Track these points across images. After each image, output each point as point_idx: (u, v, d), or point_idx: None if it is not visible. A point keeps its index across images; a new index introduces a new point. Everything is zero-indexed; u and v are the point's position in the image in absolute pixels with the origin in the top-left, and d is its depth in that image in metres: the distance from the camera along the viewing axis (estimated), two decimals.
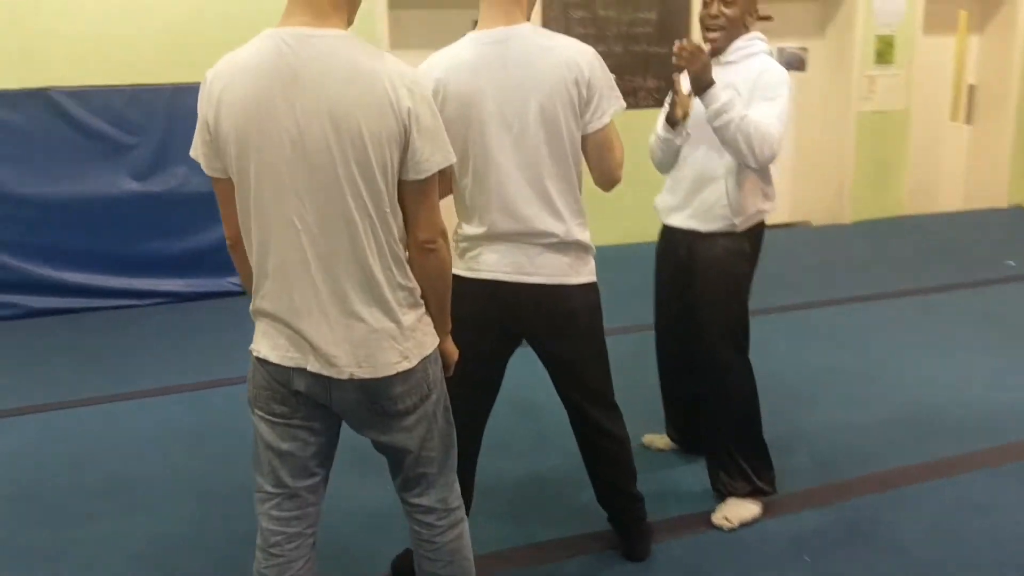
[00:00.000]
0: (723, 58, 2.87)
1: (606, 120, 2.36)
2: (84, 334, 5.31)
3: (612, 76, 2.40)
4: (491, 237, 2.42)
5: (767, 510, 3.04)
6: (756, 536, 2.92)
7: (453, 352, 2.14)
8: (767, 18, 7.98)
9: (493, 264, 2.44)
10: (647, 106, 7.40)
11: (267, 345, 1.92)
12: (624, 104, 2.41)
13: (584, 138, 2.38)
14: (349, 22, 1.87)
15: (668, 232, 3.12)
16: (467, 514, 2.57)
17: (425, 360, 1.96)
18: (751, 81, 2.77)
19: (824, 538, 2.89)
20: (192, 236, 5.86)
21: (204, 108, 1.81)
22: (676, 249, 3.06)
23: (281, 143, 1.76)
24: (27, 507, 3.22)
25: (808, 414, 3.87)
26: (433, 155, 1.83)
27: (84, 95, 5.62)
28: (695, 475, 3.29)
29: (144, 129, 5.70)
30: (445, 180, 2.37)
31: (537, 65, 2.30)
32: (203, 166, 1.87)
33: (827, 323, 5.23)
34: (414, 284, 1.93)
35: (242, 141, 1.78)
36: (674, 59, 2.64)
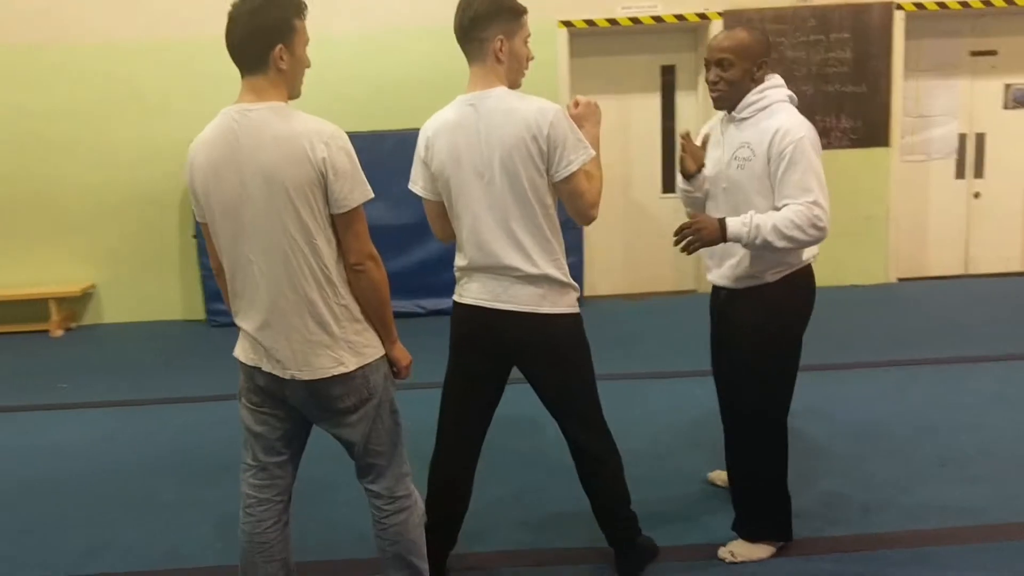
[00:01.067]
0: (736, 115, 2.97)
1: (573, 169, 2.63)
2: None
3: (577, 129, 2.67)
4: (472, 269, 2.79)
5: (786, 550, 3.11)
6: (758, 572, 3.01)
7: (402, 358, 2.53)
8: (991, 52, 7.50)
9: (475, 292, 2.81)
10: (842, 146, 7.25)
11: (239, 349, 2.45)
12: (592, 153, 2.68)
13: (555, 185, 2.68)
14: (291, 95, 2.36)
15: (713, 288, 3.23)
16: (460, 517, 2.97)
17: (365, 367, 2.39)
18: (765, 143, 2.85)
19: None
20: (416, 260, 6.66)
21: (185, 173, 2.38)
22: (716, 303, 3.18)
23: (231, 196, 2.29)
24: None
25: (898, 465, 3.79)
26: (351, 193, 2.28)
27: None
28: (729, 511, 3.38)
29: (382, 167, 6.53)
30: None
31: (501, 124, 2.64)
32: (196, 214, 2.44)
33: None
34: (349, 301, 2.37)
35: (207, 196, 2.33)
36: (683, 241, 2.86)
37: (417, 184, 2.87)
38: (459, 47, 2.75)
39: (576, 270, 7.05)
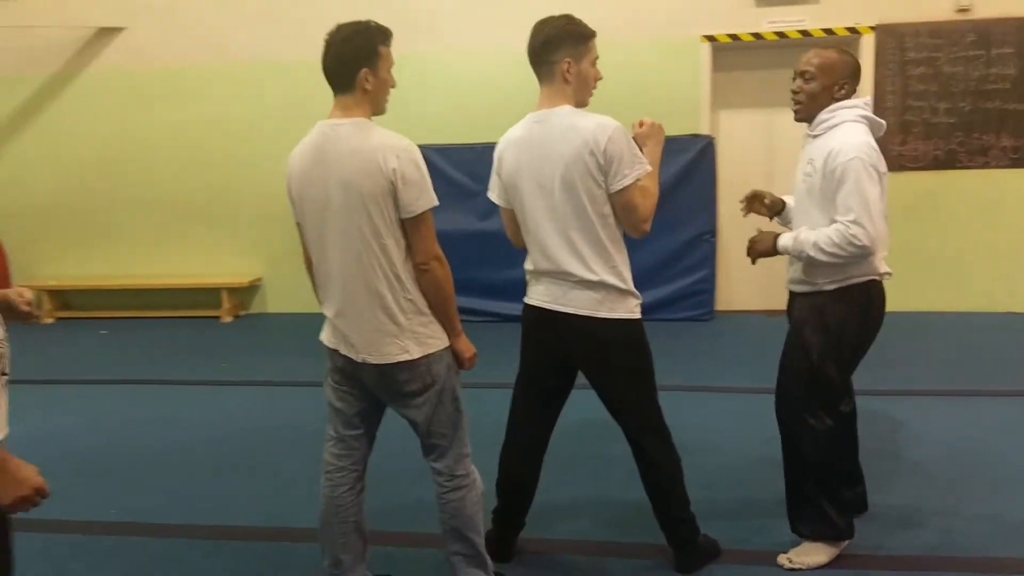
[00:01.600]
0: (810, 131, 3.09)
1: (627, 183, 2.81)
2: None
3: (633, 144, 2.85)
4: (537, 272, 3.03)
5: (842, 561, 3.15)
6: None
7: (465, 350, 2.78)
8: None
9: (540, 294, 3.04)
10: (1001, 166, 6.92)
11: (324, 333, 2.80)
12: (648, 168, 2.85)
13: (610, 197, 2.87)
14: (375, 112, 2.67)
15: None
16: (527, 502, 3.21)
17: (429, 356, 2.68)
18: (822, 160, 2.95)
19: None
20: (518, 267, 6.94)
21: (287, 180, 2.74)
22: (788, 311, 3.30)
23: (318, 200, 2.63)
24: None
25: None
26: (418, 200, 2.57)
27: (447, 151, 7.07)
28: None
29: (486, 179, 6.93)
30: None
31: (563, 140, 2.86)
32: (294, 215, 2.79)
33: None
34: (415, 296, 2.66)
35: (300, 199, 2.68)
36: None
37: (493, 192, 3.14)
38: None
39: (707, 284, 7.13)
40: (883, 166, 2.95)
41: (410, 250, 2.65)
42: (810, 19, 6.80)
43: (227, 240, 7.87)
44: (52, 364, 6.45)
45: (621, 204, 2.86)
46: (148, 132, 7.77)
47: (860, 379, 3.35)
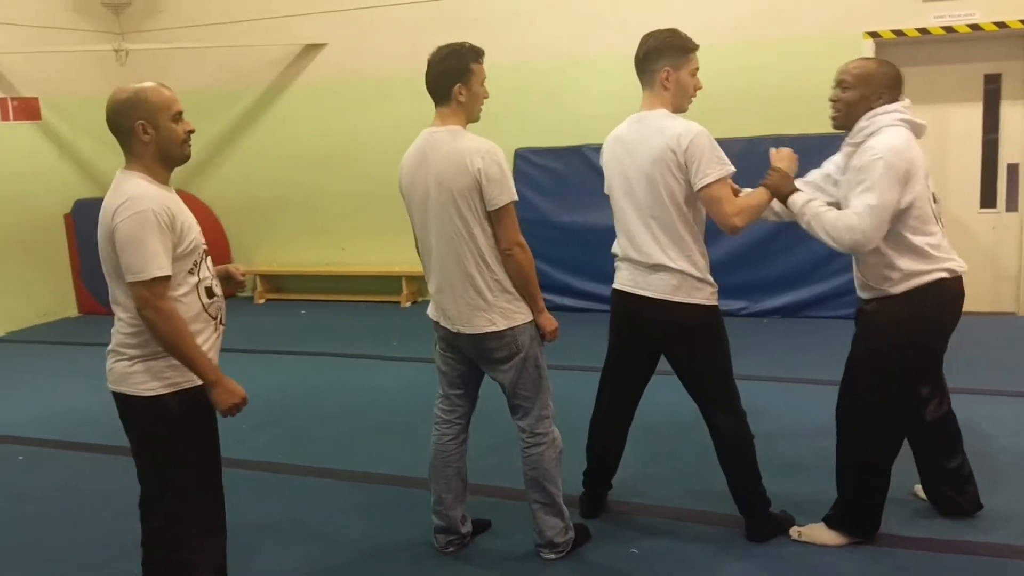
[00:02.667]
0: (849, 139, 3.20)
1: (708, 180, 3.10)
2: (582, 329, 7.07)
3: (717, 146, 3.14)
4: (622, 259, 3.39)
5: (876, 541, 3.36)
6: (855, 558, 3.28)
7: (546, 324, 3.20)
8: None
9: (623, 279, 3.40)
10: None
11: (430, 308, 3.31)
12: (732, 169, 3.13)
13: (697, 193, 3.17)
14: (469, 120, 3.14)
15: None
16: (612, 466, 3.60)
17: (514, 328, 3.13)
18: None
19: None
20: None
21: (399, 179, 3.26)
22: (858, 315, 3.37)
23: (420, 196, 3.15)
24: None
25: None
26: (500, 195, 3.02)
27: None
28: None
29: None
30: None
31: (652, 139, 3.20)
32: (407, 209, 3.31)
33: None
34: (501, 277, 3.11)
35: (408, 196, 3.21)
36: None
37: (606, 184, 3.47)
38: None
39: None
40: (917, 168, 3.02)
41: (496, 238, 3.09)
42: (980, 12, 6.59)
43: (409, 233, 8.59)
44: (258, 337, 7.43)
45: (705, 199, 3.16)
46: (349, 136, 8.63)
47: (977, 380, 3.38)
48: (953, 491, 3.53)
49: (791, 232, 6.66)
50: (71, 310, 8.78)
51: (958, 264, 3.17)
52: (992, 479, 3.84)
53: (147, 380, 2.60)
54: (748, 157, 6.83)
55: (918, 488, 3.69)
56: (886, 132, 3.07)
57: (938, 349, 3.30)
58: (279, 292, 9.31)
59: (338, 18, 8.50)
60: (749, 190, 3.36)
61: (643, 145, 3.24)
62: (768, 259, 7.16)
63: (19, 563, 3.58)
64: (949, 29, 6.69)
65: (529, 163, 7.86)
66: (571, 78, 7.63)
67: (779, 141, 6.80)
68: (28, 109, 8.18)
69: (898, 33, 6.81)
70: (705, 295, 3.26)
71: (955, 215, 7.19)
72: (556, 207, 7.65)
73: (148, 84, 2.65)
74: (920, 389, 3.37)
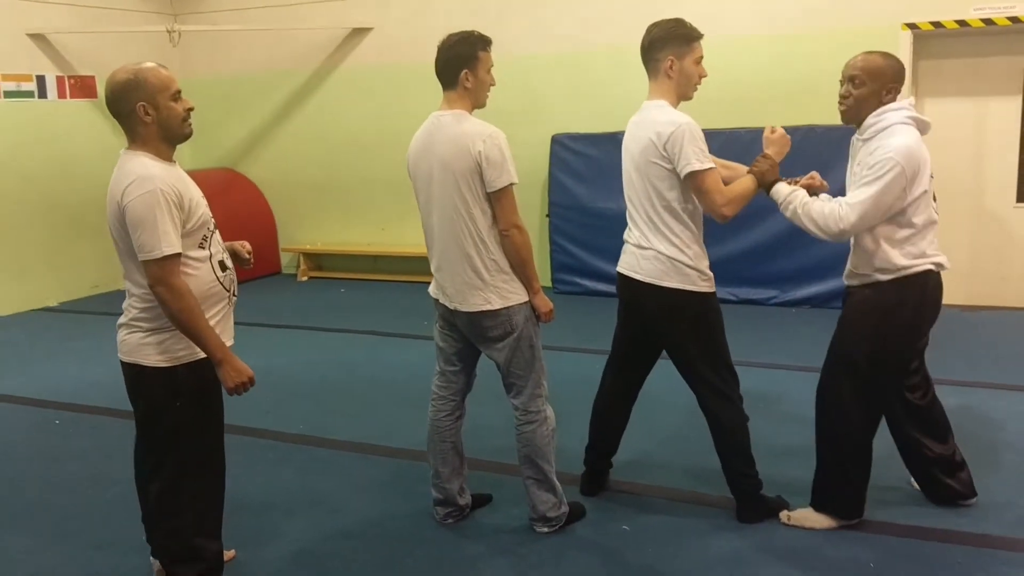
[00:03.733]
0: (860, 135, 3.24)
1: (689, 170, 3.19)
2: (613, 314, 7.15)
3: (700, 140, 3.20)
4: (625, 242, 3.49)
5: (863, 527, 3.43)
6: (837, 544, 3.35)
7: (541, 305, 3.32)
8: None
9: (623, 262, 3.51)
10: None
11: (431, 286, 3.44)
12: (706, 165, 3.19)
13: (683, 181, 3.25)
14: (475, 106, 3.26)
15: None
16: (613, 444, 3.71)
17: (509, 308, 3.25)
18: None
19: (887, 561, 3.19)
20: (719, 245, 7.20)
21: (407, 160, 3.39)
22: (843, 301, 3.45)
23: (425, 176, 3.28)
24: None
25: None
26: (499, 178, 3.13)
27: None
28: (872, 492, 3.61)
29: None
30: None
31: (644, 129, 3.30)
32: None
33: None
34: (498, 257, 3.23)
35: (415, 176, 3.34)
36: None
37: None
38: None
39: None
40: (926, 169, 3.09)
41: (495, 219, 3.21)
42: (1021, 5, 6.46)
43: None
44: (297, 314, 7.67)
45: (693, 188, 3.24)
46: (393, 119, 8.76)
47: (974, 373, 3.42)
48: (946, 476, 3.57)
49: None
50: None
51: (945, 260, 3.25)
52: (1002, 471, 3.92)
53: (159, 352, 2.75)
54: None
55: (913, 480, 3.72)
56: (897, 131, 3.11)
57: (918, 338, 3.35)
58: (320, 270, 9.55)
59: (385, 2, 8.68)
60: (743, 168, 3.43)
61: (638, 135, 3.34)
62: (798, 249, 7.13)
63: (46, 519, 3.83)
64: (988, 21, 6.59)
65: (566, 148, 7.94)
66: (609, 66, 7.68)
67: (813, 132, 6.95)
68: (85, 87, 8.53)
69: (937, 25, 6.73)
70: (695, 281, 3.32)
71: (991, 209, 7.10)
72: (591, 193, 7.71)
73: (147, 64, 2.74)
74: (898, 376, 3.41)
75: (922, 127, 3.17)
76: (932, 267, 3.20)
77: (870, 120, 3.19)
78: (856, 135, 3.29)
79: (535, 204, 8.19)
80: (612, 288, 3.60)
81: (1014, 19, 6.51)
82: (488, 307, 3.24)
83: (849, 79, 3.23)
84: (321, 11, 8.94)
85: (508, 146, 3.19)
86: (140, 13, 9.11)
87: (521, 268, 3.26)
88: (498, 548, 3.42)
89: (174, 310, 2.64)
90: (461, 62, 3.22)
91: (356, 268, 9.37)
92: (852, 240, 3.30)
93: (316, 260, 9.61)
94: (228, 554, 3.26)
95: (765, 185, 3.31)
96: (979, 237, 7.13)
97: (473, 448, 3.79)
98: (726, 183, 3.29)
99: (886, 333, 3.22)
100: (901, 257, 3.16)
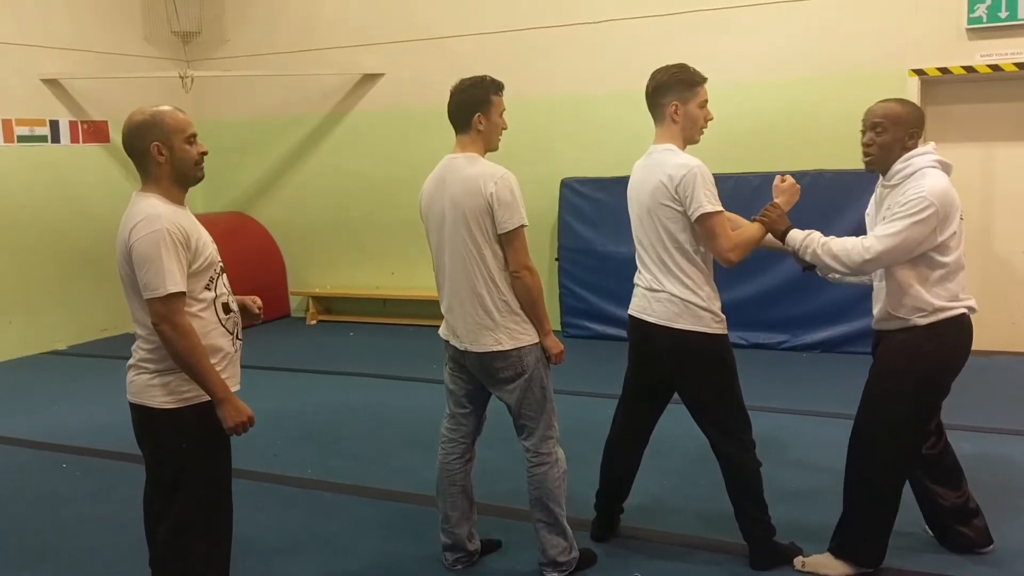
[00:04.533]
0: (887, 181, 3.25)
1: (700, 212, 3.19)
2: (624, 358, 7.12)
3: (711, 184, 3.22)
4: (636, 285, 3.49)
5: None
6: None
7: (552, 347, 3.31)
8: None
9: (634, 304, 3.50)
10: None
11: (442, 327, 3.43)
12: (718, 208, 3.19)
13: (693, 225, 3.25)
14: (488, 149, 3.28)
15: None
16: (624, 487, 3.66)
17: (520, 349, 3.24)
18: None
19: None
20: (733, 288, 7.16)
21: (419, 201, 3.41)
22: (876, 346, 3.39)
23: (437, 217, 3.29)
24: None
25: None
26: (511, 219, 3.14)
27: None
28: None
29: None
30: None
31: (652, 174, 3.32)
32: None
33: None
34: (509, 298, 3.23)
35: (427, 217, 3.36)
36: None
37: None
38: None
39: None
40: (956, 211, 3.10)
41: (506, 260, 3.21)
42: None
43: None
44: (305, 357, 7.66)
45: (702, 232, 3.25)
46: (403, 164, 8.83)
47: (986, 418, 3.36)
48: (960, 524, 3.52)
49: None
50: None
51: (975, 303, 3.24)
52: (1016, 517, 3.86)
53: (166, 394, 2.73)
54: None
55: (927, 526, 3.66)
56: (927, 174, 3.12)
57: (949, 383, 3.31)
58: (330, 314, 9.56)
59: (396, 49, 8.78)
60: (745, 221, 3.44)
61: (646, 178, 3.35)
62: (810, 294, 7.12)
63: (51, 562, 3.79)
64: (995, 67, 6.63)
65: (575, 192, 7.97)
66: (618, 110, 7.73)
67: (822, 177, 6.97)
68: (97, 132, 8.62)
69: (944, 71, 6.78)
70: (708, 323, 3.31)
71: (1001, 254, 7.08)
72: (601, 236, 7.73)
73: (164, 107, 2.78)
74: (930, 423, 3.38)
75: (947, 170, 3.18)
76: (965, 310, 3.19)
77: (898, 166, 3.19)
78: (882, 181, 3.29)
79: (544, 248, 8.20)
80: (622, 332, 3.59)
81: (1020, 65, 6.56)
82: (499, 348, 3.23)
83: (871, 127, 3.23)
84: (332, 57, 9.06)
85: (519, 188, 3.20)
86: (153, 59, 9.24)
87: (532, 309, 3.26)
88: None
89: (178, 349, 2.63)
90: (474, 106, 3.25)
91: (365, 312, 9.37)
92: (881, 284, 3.28)
93: (325, 304, 9.62)
94: None
95: (777, 234, 3.31)
96: (989, 282, 7.10)
97: (483, 492, 3.76)
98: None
99: (926, 377, 3.19)
100: (935, 299, 3.14)
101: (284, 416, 5.77)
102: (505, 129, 3.35)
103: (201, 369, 2.67)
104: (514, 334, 3.24)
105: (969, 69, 6.71)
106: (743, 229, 3.33)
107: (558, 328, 8.00)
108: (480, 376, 3.35)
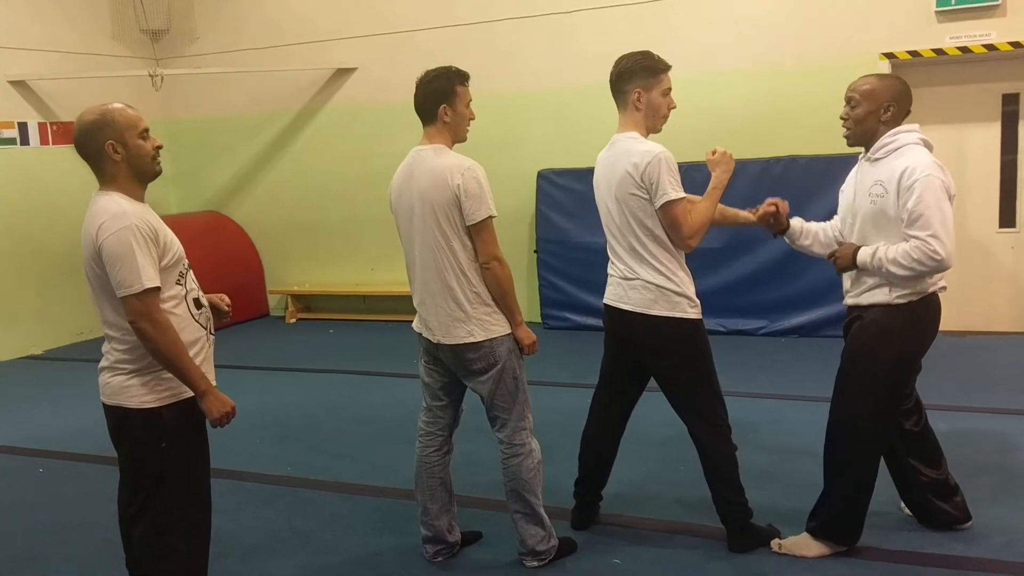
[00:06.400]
0: (871, 155, 3.25)
1: (664, 200, 3.20)
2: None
3: (675, 170, 3.22)
4: (610, 274, 3.48)
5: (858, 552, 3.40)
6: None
7: (524, 337, 3.30)
8: None
9: (609, 293, 3.50)
10: None
11: (415, 320, 3.42)
12: (680, 194, 3.20)
13: (656, 213, 3.25)
14: (455, 140, 3.27)
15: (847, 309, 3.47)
16: (602, 475, 3.67)
17: (492, 340, 3.23)
18: (895, 180, 3.10)
19: None
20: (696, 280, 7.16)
21: (388, 194, 3.39)
22: (848, 326, 3.39)
23: (406, 210, 3.28)
24: None
25: None
26: (478, 210, 3.13)
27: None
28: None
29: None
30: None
31: (618, 161, 3.31)
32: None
33: None
34: (480, 290, 3.22)
35: (396, 209, 3.34)
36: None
37: None
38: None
39: None
40: (952, 187, 3.10)
41: (475, 252, 3.20)
42: (997, 33, 6.57)
43: None
44: (285, 356, 7.63)
45: (664, 220, 3.25)
46: (379, 159, 8.66)
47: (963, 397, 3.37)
48: (941, 501, 3.55)
49: None
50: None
51: (944, 283, 3.27)
52: (993, 494, 3.90)
53: (144, 393, 2.70)
54: (764, 178, 6.94)
55: (903, 504, 3.70)
56: (912, 150, 3.13)
57: (919, 360, 3.35)
58: (309, 312, 9.52)
59: (368, 43, 8.74)
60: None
61: (612, 168, 3.35)
62: (787, 279, 7.18)
63: (28, 568, 3.76)
64: (965, 50, 6.68)
65: (552, 184, 7.97)
66: (594, 102, 7.69)
67: (795, 163, 7.00)
68: (67, 133, 8.51)
69: (914, 54, 6.82)
70: (683, 309, 3.32)
71: (974, 235, 7.14)
72: (578, 227, 7.72)
73: (114, 105, 2.73)
74: (904, 402, 3.41)
75: (930, 149, 3.17)
76: (938, 289, 3.22)
77: (884, 140, 3.20)
78: (866, 155, 3.28)
79: (522, 240, 8.20)
80: (601, 322, 3.60)
81: (990, 47, 6.60)
82: (471, 339, 3.22)
83: (847, 101, 3.27)
84: (304, 52, 9.00)
85: (486, 179, 3.19)
86: (122, 58, 9.15)
87: (503, 300, 3.25)
88: None
89: (158, 345, 2.60)
90: (439, 97, 3.23)
91: (345, 309, 9.35)
92: None
93: (304, 302, 9.58)
94: None
95: (846, 268, 3.27)
96: (963, 263, 7.12)
97: (463, 484, 3.76)
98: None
99: (899, 359, 3.22)
100: (917, 280, 3.15)
101: (264, 415, 5.74)
102: (473, 120, 3.34)
103: (182, 364, 2.64)
104: (486, 325, 3.23)
105: (939, 52, 6.75)
106: (696, 212, 3.30)
107: (537, 320, 8.01)
108: (454, 368, 3.34)
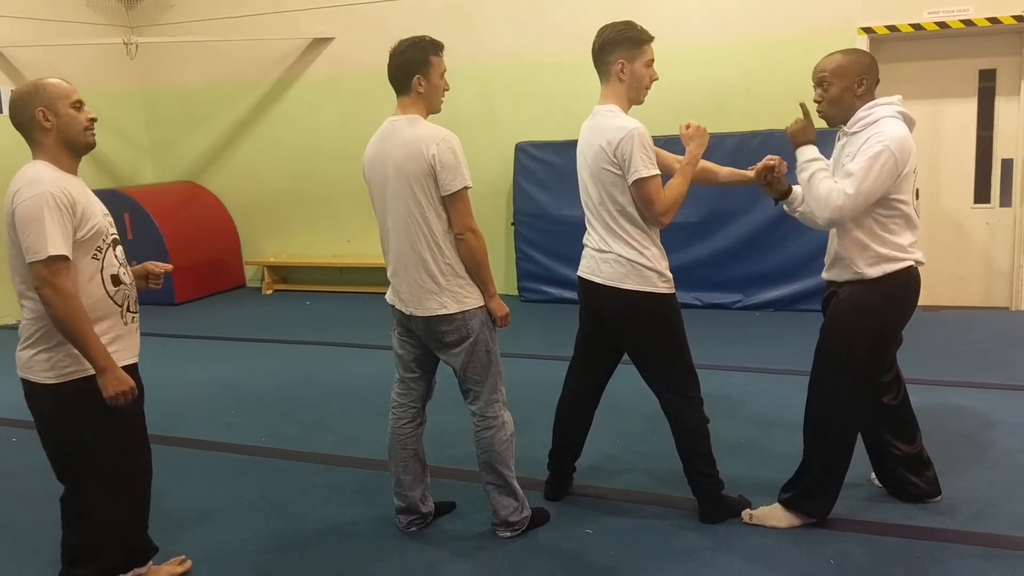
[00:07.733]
0: (849, 129, 3.25)
1: (635, 177, 3.19)
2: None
3: (648, 147, 3.21)
4: (585, 245, 3.48)
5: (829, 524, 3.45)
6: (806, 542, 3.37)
7: (497, 309, 3.30)
8: None
9: (582, 266, 3.50)
10: None
11: (388, 292, 3.41)
12: (653, 172, 3.20)
13: (629, 189, 3.25)
14: (430, 111, 3.24)
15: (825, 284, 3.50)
16: (576, 446, 3.69)
17: (464, 312, 3.23)
18: (858, 146, 3.13)
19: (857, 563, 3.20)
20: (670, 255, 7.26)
21: (363, 165, 3.37)
22: (827, 301, 3.42)
23: (380, 180, 3.26)
24: None
25: None
26: (453, 181, 3.12)
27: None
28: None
29: None
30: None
31: (594, 136, 3.30)
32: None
33: None
34: (453, 261, 3.21)
35: (370, 180, 3.32)
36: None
37: None
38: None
39: None
40: (913, 161, 3.11)
41: (450, 223, 3.19)
42: (974, 8, 6.59)
43: None
44: (260, 327, 7.59)
45: (637, 197, 3.25)
46: (355, 129, 8.66)
47: (935, 371, 3.43)
48: (913, 474, 3.59)
49: (785, 226, 6.74)
50: None
51: (921, 256, 3.27)
52: (962, 466, 3.96)
53: (46, 368, 2.72)
54: (742, 151, 6.94)
55: (874, 476, 3.74)
56: (888, 122, 3.13)
57: (899, 334, 3.37)
58: (286, 283, 9.49)
59: (345, 12, 8.65)
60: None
61: (589, 140, 3.34)
62: (762, 253, 7.22)
63: (9, 536, 3.76)
64: (943, 25, 6.70)
65: (529, 157, 7.95)
66: (572, 74, 7.69)
67: (773, 136, 7.01)
68: None
69: (892, 29, 6.83)
70: (655, 283, 3.32)
71: (949, 210, 7.20)
72: (556, 200, 7.72)
73: (48, 78, 2.76)
74: (884, 375, 3.44)
75: (909, 123, 3.17)
76: (913, 263, 3.22)
77: (860, 114, 3.19)
78: (843, 129, 3.28)
79: (500, 212, 8.19)
80: (573, 295, 3.61)
81: (967, 22, 6.62)
82: (443, 311, 3.22)
83: (818, 83, 3.26)
84: (281, 22, 8.90)
85: (462, 149, 3.18)
86: (96, 25, 9.01)
87: (477, 271, 3.25)
88: (461, 554, 3.40)
89: (59, 313, 2.60)
90: (413, 67, 3.21)
91: (322, 280, 9.32)
92: (834, 235, 3.31)
93: (281, 273, 9.54)
94: (184, 565, 3.23)
95: (797, 143, 3.30)
96: (937, 238, 7.22)
97: (436, 456, 3.78)
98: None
99: (878, 335, 3.24)
100: (887, 250, 3.17)
101: (239, 386, 5.73)
102: (447, 90, 3.31)
103: (81, 334, 2.63)
104: (459, 297, 3.23)
105: (917, 27, 6.77)
106: (669, 188, 3.29)
107: (514, 293, 8.02)
108: (426, 340, 3.35)
